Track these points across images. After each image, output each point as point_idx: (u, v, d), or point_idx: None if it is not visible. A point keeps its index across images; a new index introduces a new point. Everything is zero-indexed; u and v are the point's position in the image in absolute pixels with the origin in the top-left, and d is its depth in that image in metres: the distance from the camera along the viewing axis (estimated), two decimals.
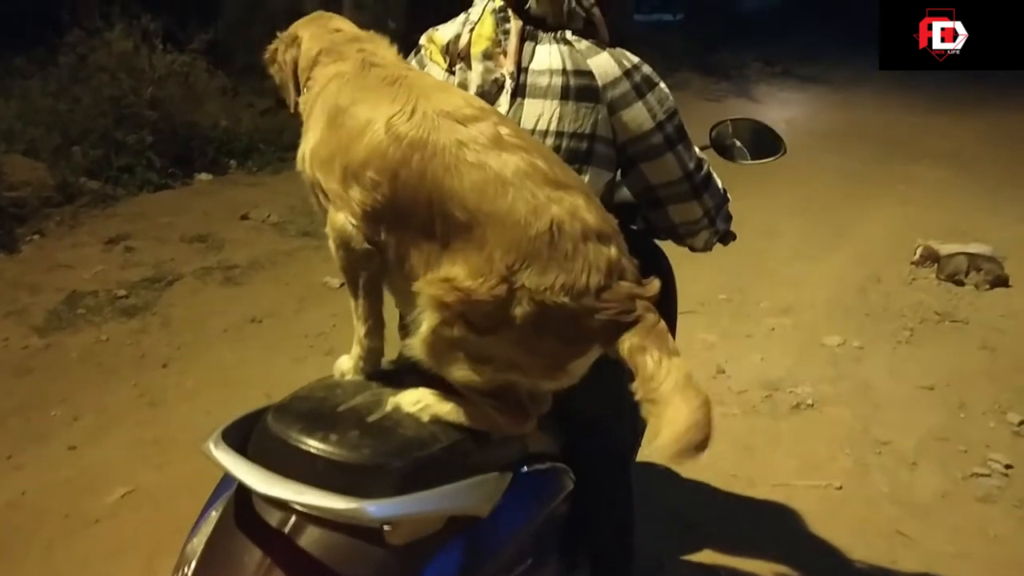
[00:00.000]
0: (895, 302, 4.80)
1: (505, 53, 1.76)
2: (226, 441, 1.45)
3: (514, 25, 1.77)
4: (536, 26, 1.78)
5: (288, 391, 3.48)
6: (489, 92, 1.75)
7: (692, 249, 2.03)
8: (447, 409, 1.53)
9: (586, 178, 1.72)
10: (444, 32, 1.87)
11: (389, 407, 1.56)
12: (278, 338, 4.07)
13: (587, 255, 1.42)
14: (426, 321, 1.46)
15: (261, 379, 3.63)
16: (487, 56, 1.76)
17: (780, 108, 10.91)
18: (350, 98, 1.56)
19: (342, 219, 1.53)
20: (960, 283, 5.09)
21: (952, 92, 12.04)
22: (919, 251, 5.38)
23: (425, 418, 1.53)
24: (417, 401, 1.55)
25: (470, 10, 1.86)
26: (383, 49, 1.69)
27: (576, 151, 1.73)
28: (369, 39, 1.72)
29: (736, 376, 3.84)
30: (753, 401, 3.64)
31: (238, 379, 3.65)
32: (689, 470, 3.09)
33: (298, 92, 1.71)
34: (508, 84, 1.74)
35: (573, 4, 1.79)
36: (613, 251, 1.45)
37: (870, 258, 5.50)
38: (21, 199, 5.22)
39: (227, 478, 1.51)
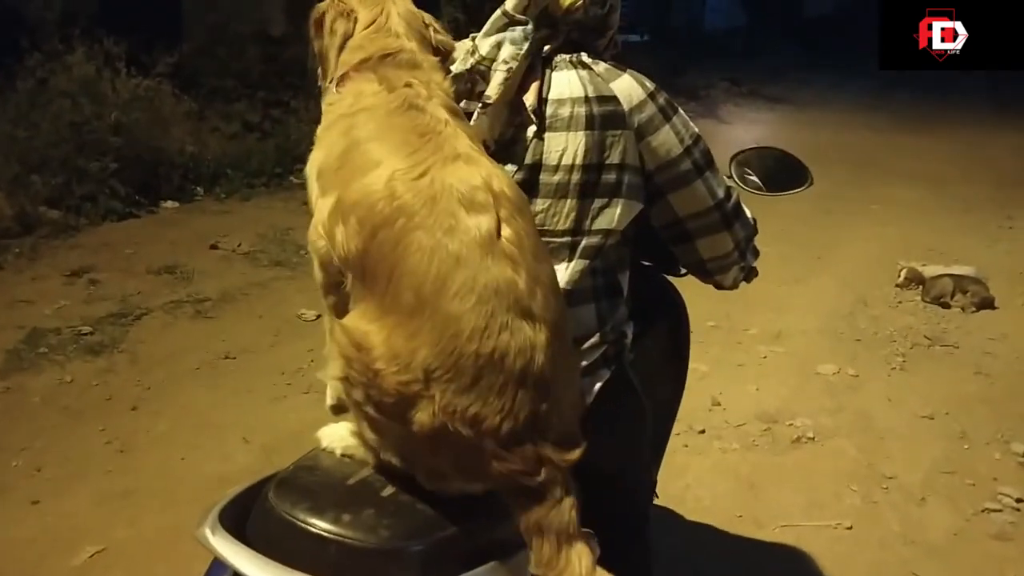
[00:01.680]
0: (884, 327, 4.73)
1: (524, 89, 1.60)
2: (223, 524, 1.29)
3: (507, 49, 1.61)
4: (588, 36, 1.67)
5: (266, 433, 3.35)
6: (506, 135, 1.60)
7: (719, 287, 1.89)
8: (365, 452, 1.45)
9: (617, 211, 1.60)
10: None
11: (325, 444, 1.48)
12: (254, 375, 3.87)
13: (513, 399, 1.26)
14: (332, 370, 1.37)
15: (237, 421, 3.44)
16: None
17: (748, 128, 10.93)
18: (372, 133, 1.42)
19: (321, 232, 1.41)
20: (946, 306, 5.04)
21: (914, 111, 12.23)
22: (903, 273, 5.33)
23: (337, 453, 1.47)
24: (336, 438, 1.49)
25: (477, 43, 1.67)
26: (435, 86, 1.51)
27: (605, 184, 1.59)
28: (428, 69, 1.55)
29: (732, 408, 3.72)
30: (752, 435, 3.52)
31: (213, 421, 3.45)
32: (694, 512, 2.97)
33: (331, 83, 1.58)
34: (532, 123, 1.59)
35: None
36: (544, 407, 1.29)
37: (854, 282, 5.44)
38: None
39: (220, 562, 1.35)
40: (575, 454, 1.32)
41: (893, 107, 12.42)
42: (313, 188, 1.47)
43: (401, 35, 1.57)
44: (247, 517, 1.36)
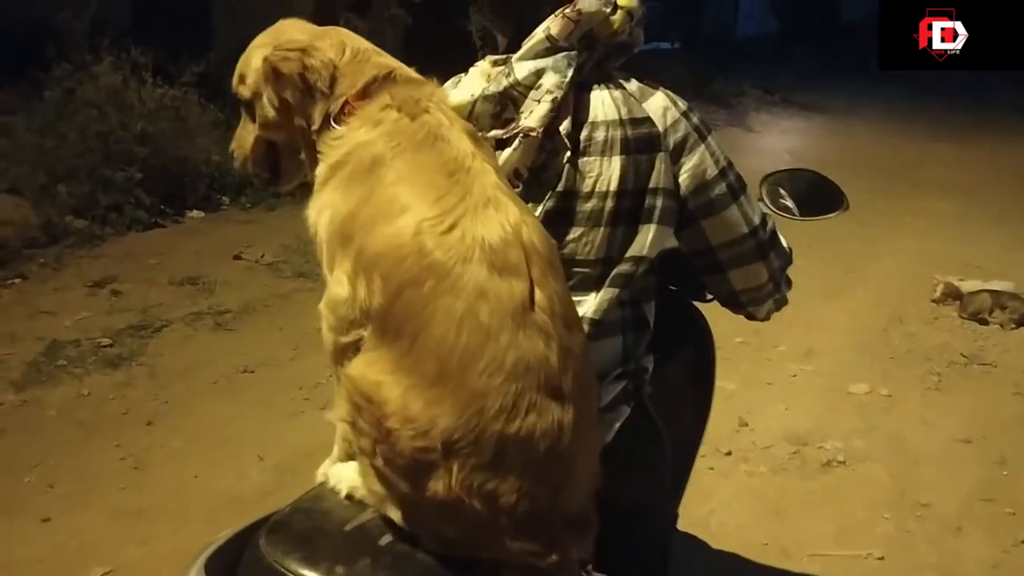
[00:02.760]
0: (919, 344, 4.59)
1: (559, 114, 1.51)
2: (210, 572, 1.21)
3: (551, 78, 1.50)
4: (618, 55, 1.59)
5: (281, 450, 3.30)
6: (538, 161, 1.51)
7: (751, 318, 1.81)
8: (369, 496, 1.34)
9: (648, 236, 1.52)
10: (460, 94, 1.57)
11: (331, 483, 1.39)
12: (271, 390, 3.82)
13: (533, 480, 1.20)
14: (339, 412, 1.30)
15: (253, 437, 3.39)
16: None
17: (780, 137, 10.76)
18: (401, 172, 1.31)
19: (345, 294, 1.30)
20: (984, 322, 4.89)
21: (951, 119, 11.96)
22: (940, 288, 5.18)
23: (342, 495, 1.37)
24: (344, 480, 1.39)
25: (514, 65, 1.55)
26: (450, 112, 1.41)
27: (638, 210, 1.52)
28: (430, 84, 1.45)
29: (760, 429, 3.61)
30: (780, 458, 3.41)
31: (229, 437, 3.40)
32: (718, 539, 2.87)
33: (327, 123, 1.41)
34: (566, 149, 1.49)
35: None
36: (563, 487, 1.24)
37: (888, 296, 5.30)
38: (2, 240, 4.97)
39: None
40: (588, 539, 1.28)
41: (927, 115, 12.17)
42: (324, 237, 1.36)
43: (383, 54, 1.47)
44: (239, 562, 1.28)
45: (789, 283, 1.79)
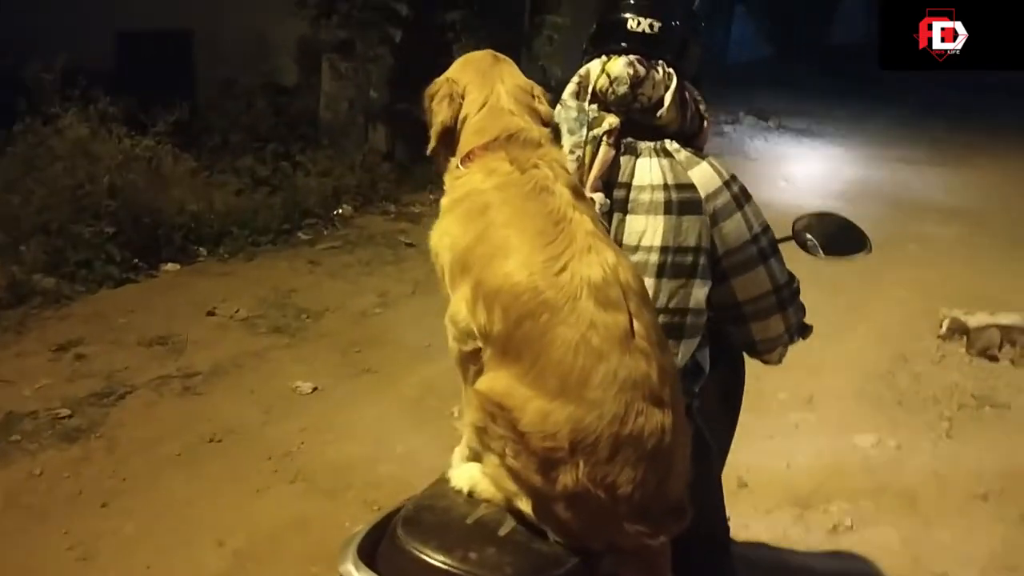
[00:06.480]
0: (927, 386, 4.36)
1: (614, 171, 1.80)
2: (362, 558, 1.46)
3: (568, 139, 1.80)
4: (653, 137, 1.82)
5: (243, 534, 3.04)
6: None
7: (766, 362, 2.05)
8: (493, 493, 1.58)
9: (693, 291, 1.77)
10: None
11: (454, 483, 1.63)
12: (238, 461, 3.58)
13: (644, 472, 1.44)
14: (470, 416, 1.55)
15: (214, 518, 3.16)
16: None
17: (776, 165, 10.57)
18: (508, 217, 1.57)
19: (465, 312, 1.56)
20: (994, 359, 4.68)
21: (952, 141, 11.81)
22: (945, 324, 4.97)
23: (464, 492, 1.61)
24: (465, 480, 1.61)
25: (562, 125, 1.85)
26: (557, 165, 1.65)
27: (682, 265, 1.76)
28: (547, 146, 1.69)
29: (760, 490, 3.37)
30: (783, 523, 3.16)
31: (187, 520, 3.15)
32: None
33: (449, 151, 1.75)
34: (600, 203, 1.74)
35: (695, 108, 1.89)
36: (666, 478, 1.48)
37: (892, 334, 5.07)
38: None
39: None
40: (684, 524, 1.51)
41: (928, 138, 11.99)
42: (446, 261, 1.63)
43: (516, 113, 1.71)
44: (374, 550, 1.51)
45: (802, 331, 2.05)
